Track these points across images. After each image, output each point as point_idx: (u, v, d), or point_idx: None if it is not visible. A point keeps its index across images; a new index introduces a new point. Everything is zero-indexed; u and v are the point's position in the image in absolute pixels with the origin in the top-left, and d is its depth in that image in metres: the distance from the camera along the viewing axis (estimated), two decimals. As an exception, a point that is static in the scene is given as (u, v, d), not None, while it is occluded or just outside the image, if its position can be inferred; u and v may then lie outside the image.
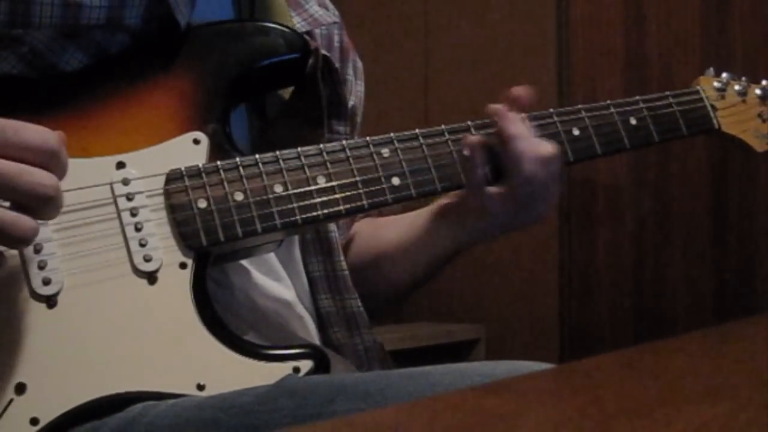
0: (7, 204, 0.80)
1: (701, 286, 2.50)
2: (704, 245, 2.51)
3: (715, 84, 1.20)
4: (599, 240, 2.61)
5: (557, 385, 0.61)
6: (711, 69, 1.22)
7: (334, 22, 1.18)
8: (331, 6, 1.20)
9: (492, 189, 1.04)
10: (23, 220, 0.79)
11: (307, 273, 1.10)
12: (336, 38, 1.18)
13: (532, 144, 1.03)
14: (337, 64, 1.13)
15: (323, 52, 1.09)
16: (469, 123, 1.05)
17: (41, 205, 0.80)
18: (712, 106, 1.18)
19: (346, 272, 1.12)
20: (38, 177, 0.79)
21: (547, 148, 1.04)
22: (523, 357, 0.98)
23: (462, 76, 2.73)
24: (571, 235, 2.62)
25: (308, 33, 1.12)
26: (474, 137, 1.03)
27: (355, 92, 1.19)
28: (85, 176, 0.91)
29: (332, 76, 1.11)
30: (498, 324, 2.70)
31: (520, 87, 1.07)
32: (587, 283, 2.61)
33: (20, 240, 0.80)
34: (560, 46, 2.62)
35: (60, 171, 0.82)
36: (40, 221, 0.82)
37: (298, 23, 1.12)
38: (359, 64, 1.22)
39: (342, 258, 1.12)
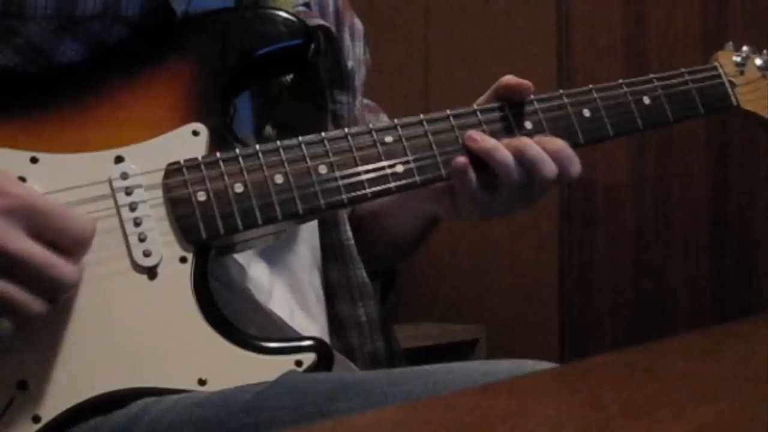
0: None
1: (701, 286, 2.50)
2: (704, 245, 2.51)
3: (735, 59, 1.15)
4: (599, 240, 2.61)
5: (557, 385, 0.61)
6: (730, 43, 1.17)
7: None
8: None
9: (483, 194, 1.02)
10: (36, 304, 0.82)
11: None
12: (331, 3, 1.17)
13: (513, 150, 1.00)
14: (333, 29, 1.12)
15: (322, 22, 1.08)
16: (475, 107, 1.02)
17: (57, 294, 0.84)
18: (731, 82, 1.14)
19: (351, 242, 1.11)
20: (63, 272, 0.83)
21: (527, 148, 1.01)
22: (523, 357, 0.97)
23: (462, 76, 2.73)
24: (571, 235, 2.62)
25: (305, 5, 1.11)
26: (462, 160, 0.99)
27: (353, 54, 1.18)
28: (84, 171, 0.91)
29: (333, 47, 1.10)
30: (498, 324, 2.70)
31: (514, 79, 1.04)
32: (587, 283, 2.61)
33: (27, 320, 0.83)
34: (560, 46, 2.62)
35: (83, 256, 0.86)
36: None
37: None
38: (358, 25, 1.21)
39: (347, 228, 1.12)
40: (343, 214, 1.12)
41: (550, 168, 0.99)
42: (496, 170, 0.99)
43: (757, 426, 0.47)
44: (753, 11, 2.45)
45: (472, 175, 0.99)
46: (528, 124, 1.03)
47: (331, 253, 1.11)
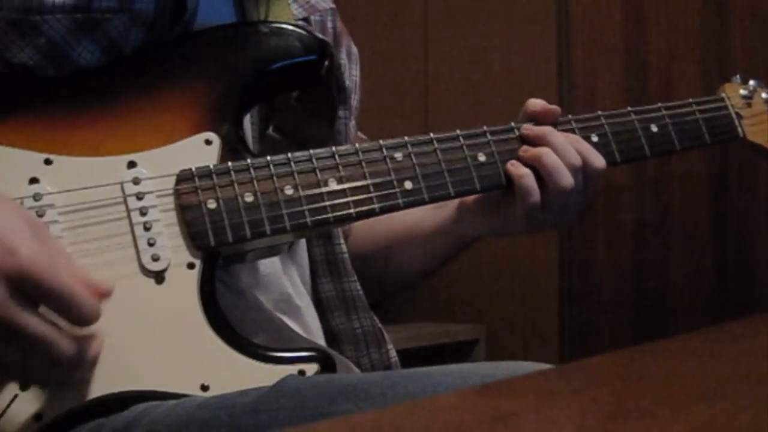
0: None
1: (701, 285, 2.50)
2: (704, 245, 2.51)
3: (742, 92, 1.17)
4: (599, 240, 2.61)
5: (557, 385, 0.61)
6: (737, 76, 1.19)
7: (329, 8, 1.18)
8: None
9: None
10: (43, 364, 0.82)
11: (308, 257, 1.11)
12: (330, 23, 1.18)
13: (565, 156, 1.03)
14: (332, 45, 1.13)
15: (322, 37, 1.09)
16: (485, 128, 1.04)
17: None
18: (738, 114, 1.15)
19: (346, 255, 1.12)
20: (63, 349, 0.82)
21: (577, 159, 1.03)
22: (523, 357, 0.98)
23: (462, 77, 2.74)
24: (571, 235, 2.62)
25: (304, 19, 1.12)
26: (524, 170, 1.02)
27: (350, 76, 1.19)
28: (96, 175, 0.92)
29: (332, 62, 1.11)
30: (498, 324, 2.70)
31: (539, 102, 1.07)
32: (587, 283, 2.61)
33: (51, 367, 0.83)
34: (560, 46, 2.62)
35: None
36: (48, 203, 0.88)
37: (296, 10, 1.13)
38: (354, 49, 1.22)
39: (342, 241, 1.12)
40: (337, 229, 1.13)
41: (574, 155, 1.03)
42: (549, 176, 1.02)
43: (757, 426, 0.47)
44: (752, 11, 2.45)
45: (535, 186, 1.02)
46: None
47: (323, 268, 1.12)
